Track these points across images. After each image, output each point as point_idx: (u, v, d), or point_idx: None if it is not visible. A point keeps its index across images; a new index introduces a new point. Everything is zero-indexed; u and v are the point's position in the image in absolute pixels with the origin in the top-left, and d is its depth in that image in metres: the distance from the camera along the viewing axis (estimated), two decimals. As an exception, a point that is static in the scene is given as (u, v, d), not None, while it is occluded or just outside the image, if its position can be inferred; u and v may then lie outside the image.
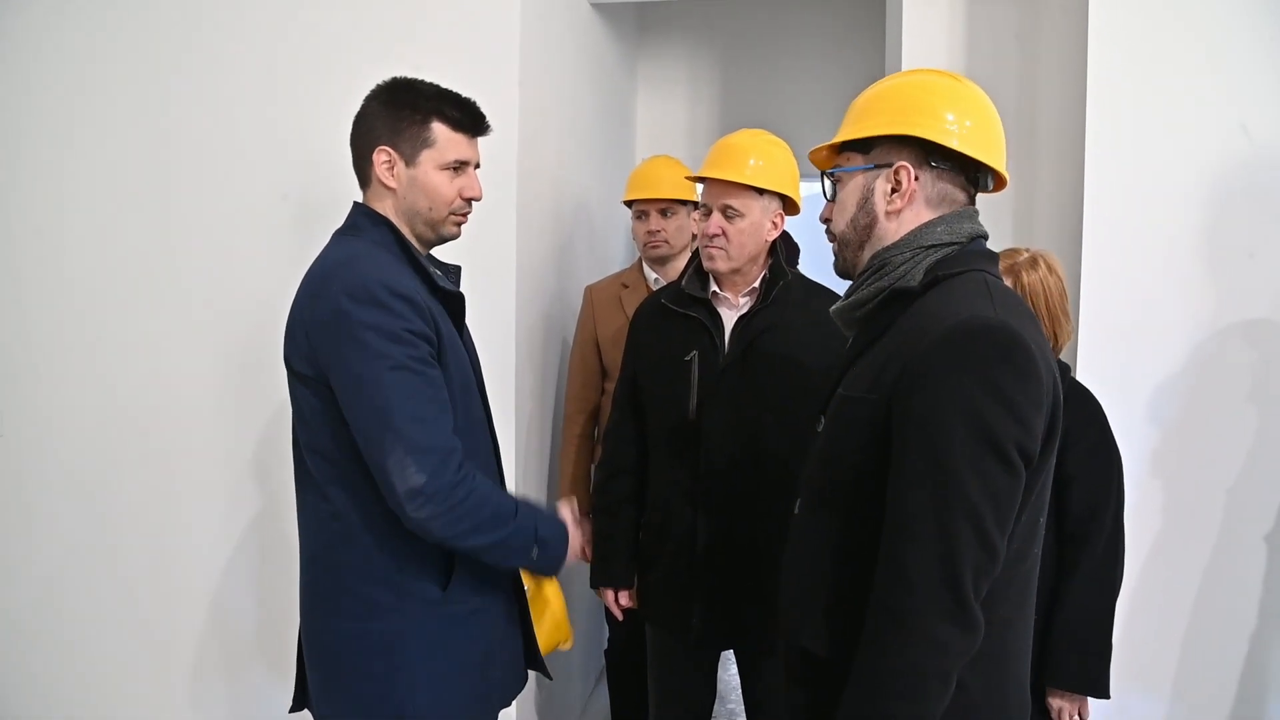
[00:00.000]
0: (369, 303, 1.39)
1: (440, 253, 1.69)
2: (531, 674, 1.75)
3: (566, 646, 1.80)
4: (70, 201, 2.35)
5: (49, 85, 2.33)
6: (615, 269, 3.54)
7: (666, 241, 2.52)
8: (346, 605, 1.50)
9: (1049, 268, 1.82)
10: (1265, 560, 2.23)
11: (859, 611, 1.15)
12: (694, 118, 4.03)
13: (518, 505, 1.52)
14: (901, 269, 1.24)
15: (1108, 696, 1.77)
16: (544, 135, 2.51)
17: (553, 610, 1.73)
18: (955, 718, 1.11)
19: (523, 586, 1.67)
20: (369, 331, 1.39)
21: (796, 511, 1.36)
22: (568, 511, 1.69)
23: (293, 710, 1.67)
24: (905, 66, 2.54)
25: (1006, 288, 1.22)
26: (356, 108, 1.57)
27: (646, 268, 2.60)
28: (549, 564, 1.58)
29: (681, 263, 2.58)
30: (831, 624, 1.22)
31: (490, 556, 1.50)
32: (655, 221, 2.52)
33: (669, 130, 4.00)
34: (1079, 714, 1.79)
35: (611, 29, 3.41)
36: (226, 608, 2.39)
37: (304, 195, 2.27)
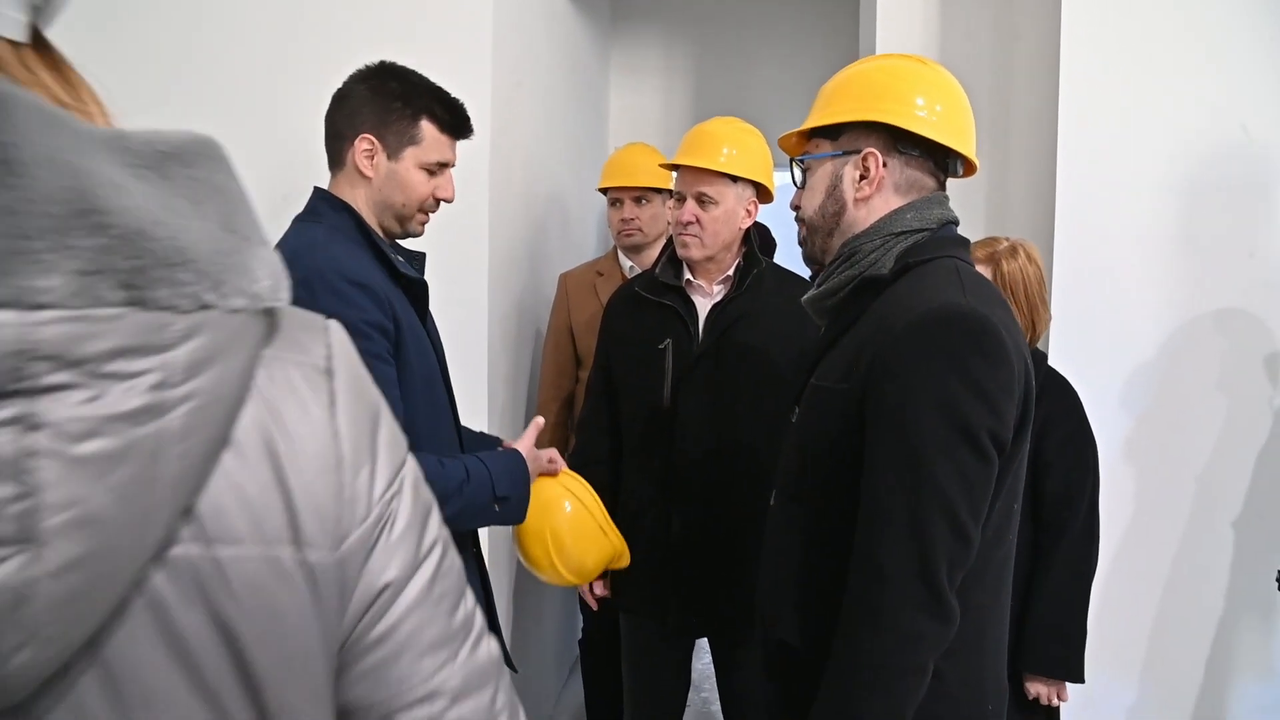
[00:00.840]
0: (324, 290, 1.36)
1: (411, 239, 1.66)
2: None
3: (623, 563, 1.79)
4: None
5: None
6: (589, 257, 3.52)
7: (641, 230, 2.51)
8: None
9: (1028, 256, 1.82)
10: (1232, 546, 2.26)
11: (834, 604, 1.14)
12: (667, 105, 4.01)
13: (467, 471, 1.48)
14: (871, 256, 1.23)
15: (1083, 681, 1.79)
16: (516, 122, 2.48)
17: (599, 524, 1.72)
18: (933, 707, 1.11)
19: (487, 578, 1.65)
20: None
21: (772, 502, 1.35)
22: (528, 440, 1.66)
23: None
24: (880, 51, 2.54)
25: (977, 274, 1.22)
26: (327, 95, 1.53)
27: (621, 255, 2.59)
28: (513, 513, 1.56)
29: (656, 251, 2.56)
30: (806, 616, 1.22)
31: (455, 526, 1.48)
32: (630, 209, 2.50)
33: (642, 118, 3.98)
34: (1056, 698, 1.80)
35: (585, 16, 3.38)
36: None
37: (300, 193, 2.23)
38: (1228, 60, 2.17)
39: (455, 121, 1.55)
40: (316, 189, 1.55)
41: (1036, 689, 1.79)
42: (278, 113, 2.22)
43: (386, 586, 0.55)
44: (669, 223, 2.60)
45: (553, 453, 1.73)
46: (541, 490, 1.67)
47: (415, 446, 1.45)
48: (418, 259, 1.64)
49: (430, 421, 1.52)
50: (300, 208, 2.18)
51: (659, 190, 2.51)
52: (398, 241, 1.63)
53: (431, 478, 1.40)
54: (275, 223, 2.18)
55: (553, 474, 1.72)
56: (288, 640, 0.51)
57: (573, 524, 1.69)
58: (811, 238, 1.32)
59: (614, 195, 2.55)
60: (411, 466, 0.62)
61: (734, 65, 3.95)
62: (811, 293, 1.31)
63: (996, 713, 1.23)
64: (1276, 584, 2.06)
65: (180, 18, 2.25)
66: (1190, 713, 2.29)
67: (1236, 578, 2.26)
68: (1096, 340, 2.22)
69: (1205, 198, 2.20)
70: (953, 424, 1.06)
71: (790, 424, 1.33)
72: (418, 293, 1.56)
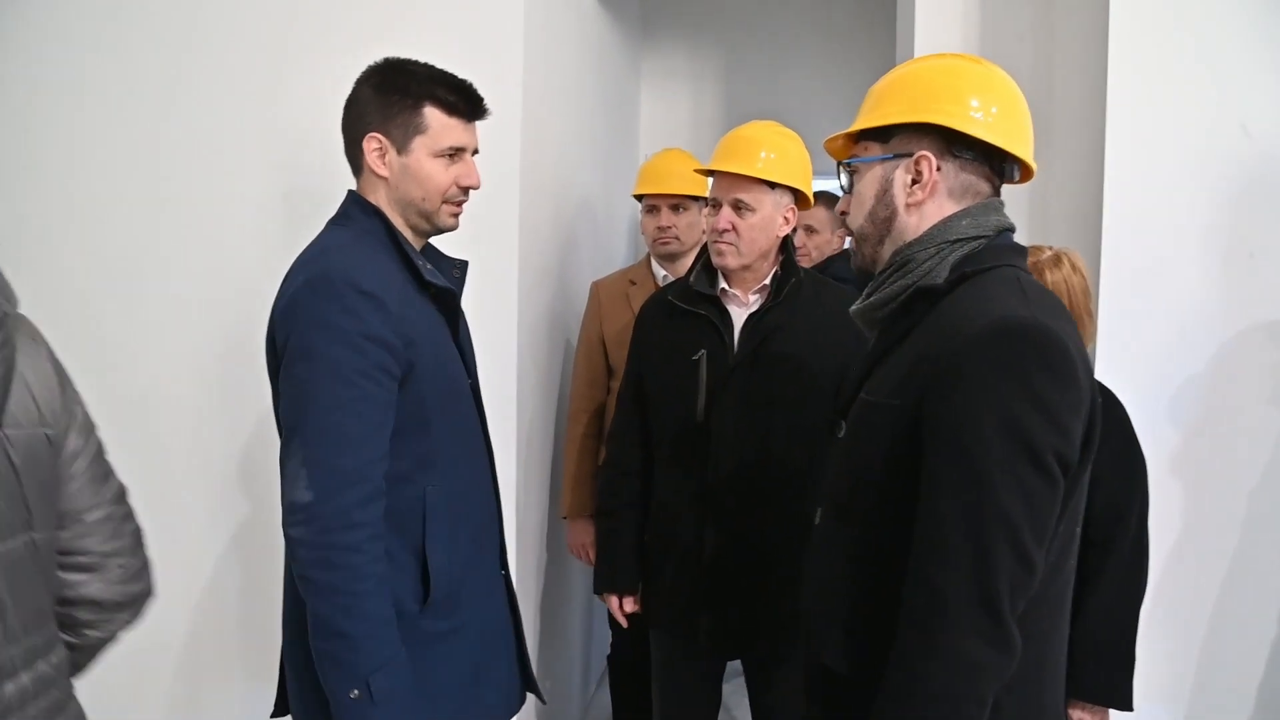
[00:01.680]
0: (327, 297, 1.31)
1: (445, 246, 1.62)
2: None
3: None
4: (60, 196, 2.28)
5: (42, 79, 2.27)
6: (618, 265, 3.49)
7: (677, 238, 2.46)
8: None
9: (1073, 266, 1.76)
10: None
11: (883, 628, 1.08)
12: (697, 112, 3.97)
13: (393, 636, 1.30)
14: (926, 265, 1.18)
15: (1130, 708, 1.71)
16: (547, 127, 2.45)
17: None
18: (988, 741, 1.05)
19: (515, 602, 1.59)
20: (318, 329, 1.30)
21: (817, 521, 1.29)
22: None
23: (274, 716, 1.61)
24: (919, 54, 2.48)
25: (1039, 284, 1.16)
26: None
27: (655, 264, 2.54)
28: (363, 713, 1.28)
29: (691, 259, 2.52)
30: (853, 641, 1.16)
31: (317, 643, 1.29)
32: (666, 217, 2.46)
33: (672, 123, 3.95)
34: (1099, 727, 1.74)
35: (614, 20, 3.35)
36: (207, 611, 2.32)
37: (293, 190, 2.20)
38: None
39: (463, 102, 1.47)
40: (350, 192, 1.52)
41: (1080, 715, 1.72)
42: (269, 106, 2.19)
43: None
44: (703, 231, 2.57)
45: None
46: None
47: (436, 464, 1.42)
48: (458, 266, 1.59)
49: (453, 437, 1.47)
50: (289, 202, 2.19)
51: (695, 198, 2.47)
52: (435, 246, 1.59)
53: (375, 589, 1.29)
54: (264, 217, 2.19)
55: None
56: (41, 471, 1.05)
57: None
58: (860, 246, 1.27)
59: (650, 202, 2.50)
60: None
61: (765, 71, 3.90)
62: (861, 303, 1.25)
63: (1055, 746, 1.17)
64: None
65: (182, 18, 2.23)
66: (1241, 741, 2.20)
67: (1290, 599, 2.18)
68: (1145, 352, 2.15)
69: (1258, 203, 2.12)
70: (1017, 442, 1.00)
71: (836, 439, 1.27)
72: (448, 301, 1.51)
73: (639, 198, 2.55)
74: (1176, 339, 2.16)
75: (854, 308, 1.27)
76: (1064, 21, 2.41)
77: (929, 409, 1.06)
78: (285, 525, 1.30)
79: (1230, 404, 2.16)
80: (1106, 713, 1.73)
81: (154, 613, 2.28)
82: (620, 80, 3.52)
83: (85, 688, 2.31)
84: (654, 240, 2.49)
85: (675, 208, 2.46)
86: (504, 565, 1.59)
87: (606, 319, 2.50)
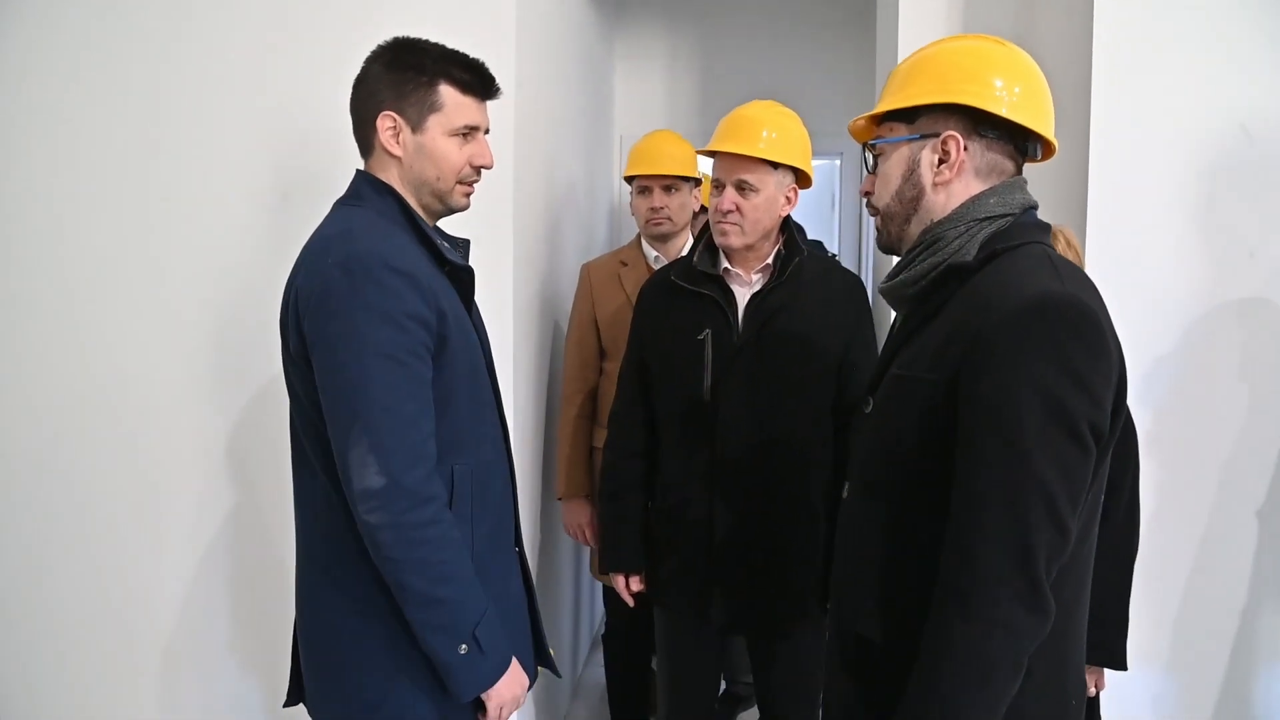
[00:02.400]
0: (364, 279, 1.30)
1: (443, 227, 1.61)
2: None
3: None
4: (52, 189, 2.22)
5: (36, 74, 2.20)
6: (601, 246, 3.49)
7: (670, 219, 2.47)
8: (341, 603, 1.41)
9: (1067, 242, 1.80)
10: (1256, 536, 2.27)
11: (918, 596, 1.12)
12: (673, 93, 3.97)
13: (480, 590, 1.36)
14: (956, 243, 1.21)
15: (1125, 668, 1.78)
16: (537, 110, 2.44)
17: None
18: (1021, 703, 1.09)
19: (530, 578, 1.60)
20: (360, 311, 1.29)
21: (845, 495, 1.32)
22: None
23: (287, 705, 1.60)
24: (902, 38, 2.51)
25: (1068, 261, 1.19)
26: (345, 87, 1.48)
27: (646, 245, 2.55)
28: (472, 678, 1.35)
29: (681, 240, 2.53)
30: (887, 610, 1.19)
31: (420, 617, 1.32)
32: (659, 198, 2.47)
33: (647, 104, 3.94)
34: (1096, 685, 1.80)
35: (592, 3, 3.34)
36: (200, 602, 2.29)
37: (284, 182, 2.17)
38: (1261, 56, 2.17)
39: (477, 81, 1.47)
40: (359, 171, 1.49)
41: None
42: (263, 95, 2.16)
43: None
44: (695, 211, 2.58)
45: None
46: None
47: (461, 442, 1.42)
48: (462, 245, 1.58)
49: (474, 415, 1.47)
50: (282, 192, 2.15)
51: (686, 178, 2.48)
52: (440, 227, 1.58)
53: (461, 553, 1.33)
54: (256, 206, 2.16)
55: None
56: None
57: None
58: (887, 225, 1.29)
59: (641, 183, 2.51)
60: None
61: (740, 51, 3.91)
62: (890, 281, 1.28)
63: (1078, 708, 1.21)
64: None
65: (177, 13, 2.18)
66: (1215, 701, 2.30)
67: (1260, 568, 2.27)
68: (1120, 330, 2.21)
69: (1227, 189, 2.19)
70: (1053, 414, 1.04)
71: (864, 415, 1.30)
72: (464, 281, 1.51)
73: (629, 179, 2.56)
74: (1148, 317, 2.23)
75: (882, 285, 1.30)
76: (1049, 7, 2.46)
77: (966, 382, 1.09)
78: (362, 513, 1.29)
79: (1200, 381, 2.23)
80: (1102, 673, 1.80)
81: (143, 604, 2.28)
82: (597, 62, 3.51)
83: (76, 682, 2.29)
84: (646, 221, 2.50)
85: (667, 189, 2.47)
86: (518, 542, 1.60)
87: (599, 300, 2.51)
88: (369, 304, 1.29)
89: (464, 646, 1.34)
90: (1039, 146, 1.27)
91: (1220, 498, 2.27)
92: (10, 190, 2.22)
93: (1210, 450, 2.26)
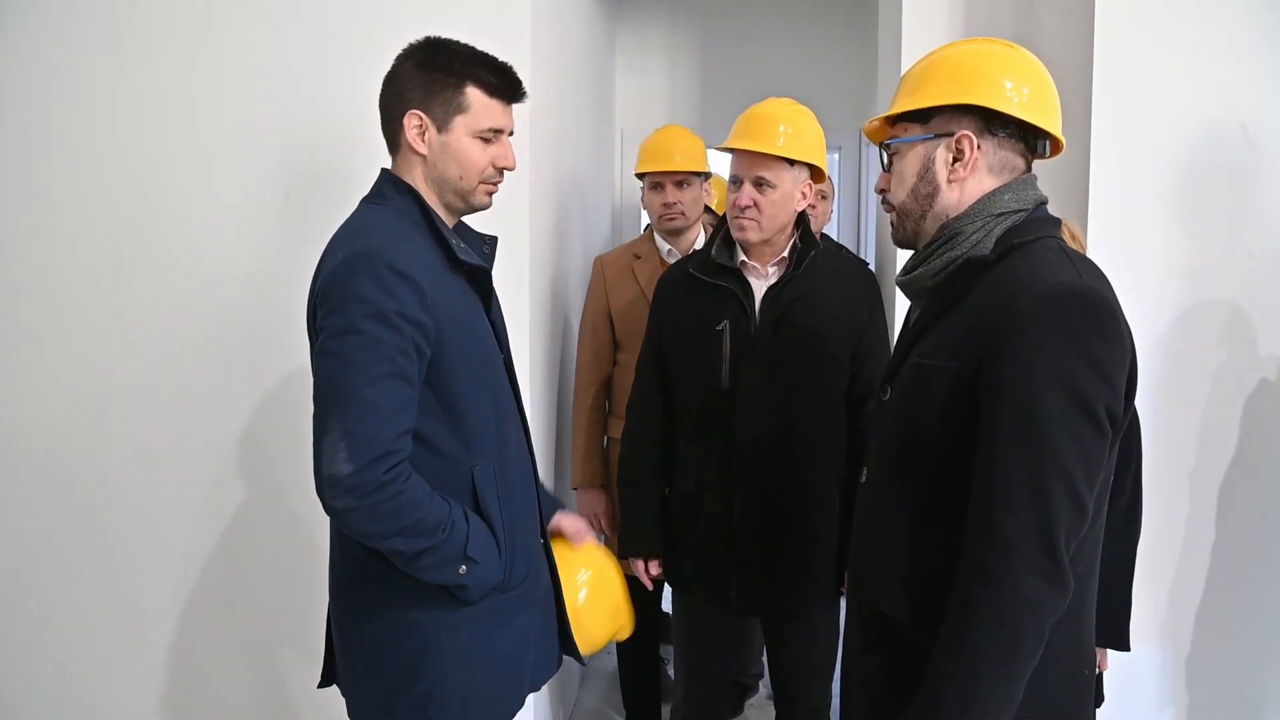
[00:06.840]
0: (364, 274, 1.34)
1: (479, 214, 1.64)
2: None
3: (625, 635, 1.76)
4: (53, 188, 2.23)
5: (36, 74, 2.22)
6: (605, 239, 3.54)
7: (683, 213, 2.53)
8: (375, 591, 1.46)
9: (1072, 236, 1.86)
10: (1253, 527, 2.32)
11: (940, 575, 1.18)
12: (674, 87, 4.01)
13: (452, 519, 1.41)
14: (974, 238, 1.27)
15: (1128, 649, 1.85)
16: (549, 106, 2.48)
17: (615, 597, 1.71)
18: (1039, 670, 1.15)
19: (555, 569, 1.64)
20: (356, 303, 1.33)
21: (864, 480, 1.38)
22: (567, 523, 1.66)
23: (321, 686, 1.65)
24: (906, 32, 2.56)
25: (1081, 254, 1.26)
26: (356, 92, 1.50)
27: (658, 239, 2.60)
28: (477, 583, 1.44)
29: (693, 234, 2.59)
30: (911, 589, 1.25)
31: (414, 566, 1.40)
32: (672, 193, 2.52)
33: (648, 97, 3.98)
34: (1099, 665, 1.86)
35: (595, -2, 3.37)
36: (201, 602, 2.31)
37: (290, 181, 2.20)
38: (1255, 55, 2.21)
39: (504, 85, 1.51)
40: (384, 170, 1.54)
41: None
42: (267, 94, 2.19)
43: None
44: (706, 206, 2.63)
45: (581, 525, 1.74)
46: (569, 561, 1.67)
47: (478, 443, 1.47)
48: (488, 242, 1.62)
49: (494, 418, 1.51)
50: (284, 193, 2.18)
51: (697, 173, 2.53)
52: (465, 222, 1.61)
53: (424, 503, 1.37)
54: (260, 207, 2.18)
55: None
56: None
57: (592, 598, 1.68)
58: (903, 220, 1.36)
59: (654, 179, 2.56)
60: None
61: (740, 45, 3.95)
62: (909, 274, 1.34)
63: (1089, 678, 1.28)
64: None
65: (195, 17, 2.21)
66: (1214, 681, 2.36)
67: (1251, 553, 2.33)
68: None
69: (1225, 184, 2.24)
70: (1073, 398, 1.10)
71: (882, 403, 1.36)
72: (480, 279, 1.55)
73: (640, 176, 2.61)
74: (1149, 312, 2.28)
75: (900, 278, 1.36)
76: (1049, 4, 2.51)
77: (988, 370, 1.15)
78: (329, 499, 1.33)
79: (1203, 378, 2.29)
80: (1104, 653, 1.87)
81: (149, 604, 2.29)
82: (599, 58, 3.55)
83: (79, 680, 2.29)
84: (660, 216, 2.55)
85: (680, 184, 2.53)
86: (543, 534, 1.64)
87: (612, 293, 2.56)
88: (362, 298, 1.33)
89: (463, 567, 1.41)
90: (1047, 144, 1.33)
91: (1214, 486, 2.32)
92: (12, 190, 2.23)
93: (1207, 444, 2.30)
